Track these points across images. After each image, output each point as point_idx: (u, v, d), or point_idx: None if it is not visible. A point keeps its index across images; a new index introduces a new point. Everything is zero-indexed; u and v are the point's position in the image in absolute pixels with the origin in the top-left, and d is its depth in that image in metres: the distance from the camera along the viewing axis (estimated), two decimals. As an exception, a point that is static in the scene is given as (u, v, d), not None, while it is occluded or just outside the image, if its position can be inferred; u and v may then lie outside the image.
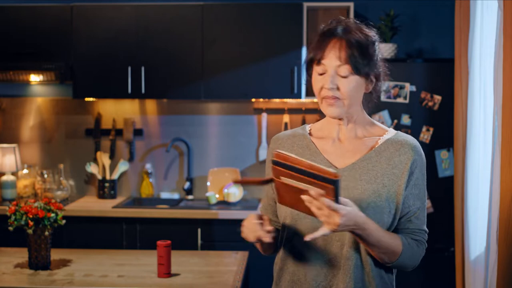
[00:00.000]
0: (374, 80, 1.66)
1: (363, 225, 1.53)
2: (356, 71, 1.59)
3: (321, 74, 1.62)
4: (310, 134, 1.76)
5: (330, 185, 1.42)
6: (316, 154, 1.70)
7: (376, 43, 1.66)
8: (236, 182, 1.60)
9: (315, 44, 1.64)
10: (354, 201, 1.57)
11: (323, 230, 1.49)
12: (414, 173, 1.72)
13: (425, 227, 1.75)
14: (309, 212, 1.49)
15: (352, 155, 1.68)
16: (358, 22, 1.67)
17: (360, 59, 1.59)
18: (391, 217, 1.66)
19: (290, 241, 1.69)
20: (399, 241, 1.65)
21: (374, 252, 1.61)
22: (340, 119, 1.68)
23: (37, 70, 3.91)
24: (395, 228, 1.70)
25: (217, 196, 4.08)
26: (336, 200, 1.45)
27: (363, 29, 1.65)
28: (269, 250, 1.80)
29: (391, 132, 1.73)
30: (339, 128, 1.71)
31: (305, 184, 1.45)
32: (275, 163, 1.48)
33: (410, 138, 1.74)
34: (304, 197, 1.45)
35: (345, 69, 1.59)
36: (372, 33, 1.66)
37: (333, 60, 1.59)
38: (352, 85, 1.60)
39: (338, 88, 1.60)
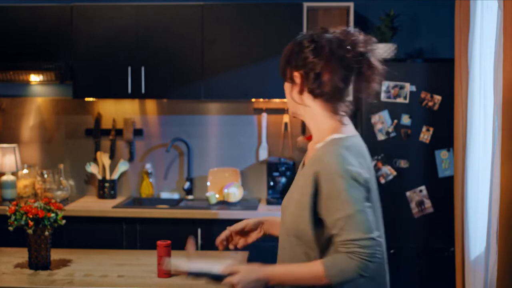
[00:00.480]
0: (304, 76, 1.77)
1: (267, 276, 1.69)
2: (284, 79, 1.86)
3: None
4: None
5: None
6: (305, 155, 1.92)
7: (304, 43, 1.79)
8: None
9: None
10: (284, 207, 1.80)
11: None
12: (322, 186, 1.68)
13: (356, 236, 1.63)
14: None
15: (306, 160, 1.85)
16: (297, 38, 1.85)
17: (282, 67, 1.86)
18: (309, 226, 1.71)
19: None
20: (319, 265, 1.66)
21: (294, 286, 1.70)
22: (295, 117, 1.90)
23: (37, 70, 3.91)
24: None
25: (217, 196, 4.08)
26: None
27: (295, 41, 1.84)
28: None
29: (328, 140, 1.75)
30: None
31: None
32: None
33: (325, 150, 1.73)
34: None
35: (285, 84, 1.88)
36: (302, 39, 1.81)
37: None
38: (287, 93, 1.85)
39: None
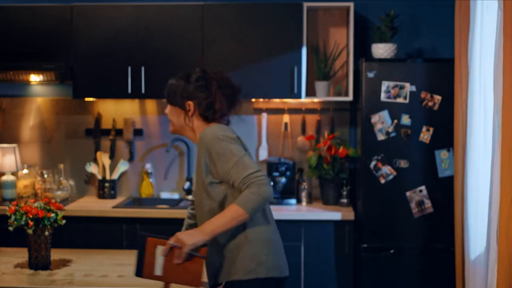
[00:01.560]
0: (189, 107, 2.34)
1: (201, 231, 2.17)
2: (171, 104, 2.39)
3: None
4: None
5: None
6: None
7: (183, 86, 2.35)
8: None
9: None
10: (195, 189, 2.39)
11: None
12: (210, 154, 2.23)
13: (247, 172, 2.18)
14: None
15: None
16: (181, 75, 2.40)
17: (167, 96, 2.42)
18: (209, 199, 2.28)
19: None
20: (234, 206, 2.16)
21: (232, 227, 2.20)
22: (175, 133, 2.50)
23: (37, 70, 3.91)
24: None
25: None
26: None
27: (180, 76, 2.40)
28: None
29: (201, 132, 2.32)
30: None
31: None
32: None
33: (202, 134, 2.29)
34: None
35: (167, 107, 2.43)
36: (188, 74, 2.39)
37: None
38: (172, 117, 2.40)
39: (170, 119, 2.42)
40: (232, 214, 2.15)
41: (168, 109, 2.39)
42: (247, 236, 2.25)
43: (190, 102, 2.33)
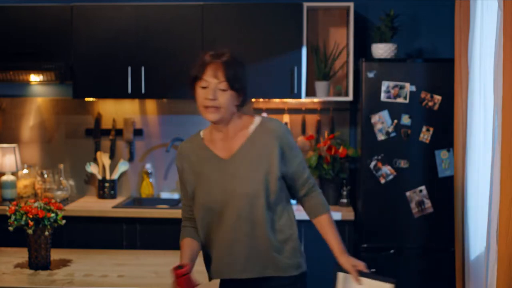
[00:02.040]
0: (242, 95, 2.15)
1: (342, 252, 2.21)
2: (231, 87, 2.09)
3: (203, 88, 2.10)
4: (203, 139, 2.23)
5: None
6: (207, 151, 2.21)
7: (245, 67, 2.17)
8: None
9: (197, 66, 2.14)
10: (244, 181, 2.12)
11: None
12: (284, 145, 2.16)
13: (306, 175, 2.24)
14: None
15: (234, 147, 2.18)
16: (229, 51, 2.16)
17: (233, 78, 2.09)
18: (272, 185, 2.14)
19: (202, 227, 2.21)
20: (328, 214, 2.26)
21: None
22: (216, 123, 2.16)
23: (37, 70, 3.91)
24: (297, 189, 2.25)
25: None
26: None
27: (234, 56, 2.16)
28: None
29: (257, 121, 2.20)
30: (219, 131, 2.19)
31: None
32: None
33: (273, 124, 2.19)
34: None
35: (223, 85, 2.09)
36: (240, 58, 2.17)
37: (213, 77, 2.09)
38: (227, 97, 2.10)
39: (217, 99, 2.09)
40: (333, 220, 2.25)
41: (226, 93, 2.10)
42: (294, 231, 2.23)
43: (245, 89, 2.17)
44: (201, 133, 2.27)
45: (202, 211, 2.18)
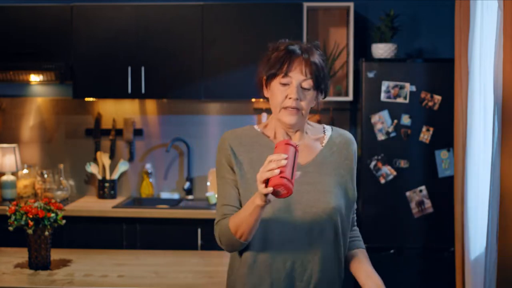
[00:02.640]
0: (321, 96, 1.86)
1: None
2: (316, 86, 1.80)
3: (285, 85, 1.80)
4: (268, 136, 1.91)
5: None
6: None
7: (325, 61, 1.88)
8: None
9: (277, 60, 1.85)
10: (323, 194, 1.80)
11: None
12: (355, 162, 1.94)
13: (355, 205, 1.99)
14: None
15: (308, 154, 1.87)
16: (309, 45, 1.88)
17: (320, 77, 1.80)
18: (352, 202, 1.89)
19: (260, 242, 1.82)
20: (363, 245, 1.99)
21: None
22: (289, 127, 1.85)
23: (37, 70, 3.91)
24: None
25: (217, 196, 4.07)
26: None
27: (317, 51, 1.86)
28: (251, 235, 1.78)
29: (328, 128, 1.96)
30: (288, 132, 1.88)
31: None
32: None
33: (347, 132, 1.97)
34: None
35: (308, 83, 1.79)
36: (322, 52, 1.89)
37: (299, 74, 1.79)
38: (310, 98, 1.81)
39: (300, 100, 1.79)
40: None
41: (309, 93, 1.80)
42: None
43: (326, 90, 1.88)
44: (256, 127, 1.95)
45: (270, 222, 1.80)
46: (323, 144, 1.90)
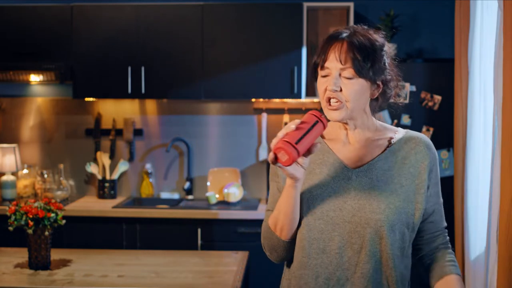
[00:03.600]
0: (381, 85, 1.65)
1: None
2: (359, 74, 1.57)
3: (324, 77, 1.60)
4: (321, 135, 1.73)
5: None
6: (330, 154, 1.68)
7: (385, 48, 1.64)
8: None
9: (319, 49, 1.63)
10: (371, 203, 1.59)
11: None
12: (433, 171, 1.67)
13: (445, 223, 1.75)
14: None
15: (365, 156, 1.66)
16: (366, 27, 1.66)
17: (363, 62, 1.56)
18: (411, 218, 1.63)
19: (303, 247, 1.63)
20: (457, 278, 1.71)
21: None
22: (344, 123, 1.66)
23: (37, 70, 3.91)
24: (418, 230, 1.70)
25: (217, 196, 4.08)
26: None
27: (370, 33, 1.63)
28: (295, 223, 1.62)
29: (401, 131, 1.72)
30: (346, 132, 1.69)
31: None
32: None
33: (422, 136, 1.71)
34: None
35: (349, 72, 1.57)
36: (380, 38, 1.64)
37: (335, 62, 1.57)
38: (355, 87, 1.58)
39: (341, 90, 1.58)
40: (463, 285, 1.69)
41: (353, 82, 1.58)
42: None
43: (384, 77, 1.66)
44: None
45: (307, 228, 1.62)
46: (387, 148, 1.67)
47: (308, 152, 1.51)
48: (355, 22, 3.98)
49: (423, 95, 3.66)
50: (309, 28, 4.07)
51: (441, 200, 1.72)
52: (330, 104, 1.59)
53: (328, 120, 1.59)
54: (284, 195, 1.58)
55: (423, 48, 4.14)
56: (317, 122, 1.51)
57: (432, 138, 3.66)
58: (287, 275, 1.71)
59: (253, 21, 3.90)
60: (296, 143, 1.45)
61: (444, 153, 3.67)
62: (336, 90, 1.57)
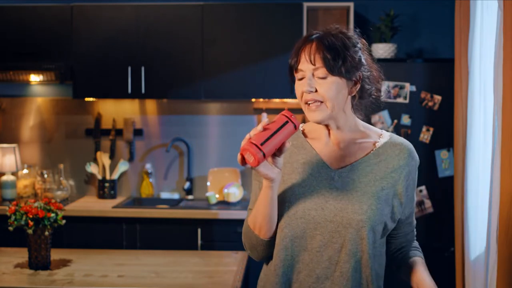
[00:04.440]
0: (358, 82, 1.65)
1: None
2: (331, 72, 1.57)
3: (300, 80, 1.62)
4: (303, 134, 1.76)
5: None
6: (312, 154, 1.69)
7: (358, 45, 1.66)
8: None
9: (292, 52, 1.64)
10: (353, 204, 1.61)
11: None
12: (411, 176, 1.70)
13: (415, 222, 1.83)
14: None
15: (348, 157, 1.68)
16: (338, 27, 1.66)
17: (333, 60, 1.57)
18: (389, 220, 1.66)
19: (285, 245, 1.64)
20: (421, 258, 1.80)
21: None
22: (326, 124, 1.67)
23: (37, 70, 3.91)
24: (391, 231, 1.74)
25: (217, 196, 4.08)
26: None
27: (342, 32, 1.64)
28: (273, 223, 1.64)
29: (386, 135, 1.74)
30: (328, 131, 1.70)
31: None
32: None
33: (406, 142, 1.73)
34: None
35: (321, 71, 1.58)
36: (352, 35, 1.65)
37: (306, 64, 1.59)
38: (330, 86, 1.58)
39: (316, 91, 1.59)
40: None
41: (327, 81, 1.59)
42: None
43: (360, 74, 1.65)
44: (300, 126, 1.78)
45: (289, 227, 1.63)
46: (371, 151, 1.68)
47: (279, 152, 1.53)
48: (355, 22, 3.99)
49: (423, 95, 3.66)
50: (309, 28, 4.07)
51: (415, 199, 1.79)
52: (309, 106, 1.61)
53: (304, 121, 1.60)
54: (261, 196, 1.61)
55: (423, 48, 4.14)
56: (286, 122, 1.51)
57: (432, 138, 3.66)
58: (265, 271, 1.73)
59: (253, 21, 3.90)
60: (262, 144, 1.46)
61: (444, 153, 3.67)
62: (311, 91, 1.59)
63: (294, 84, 1.66)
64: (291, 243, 1.63)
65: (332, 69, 1.57)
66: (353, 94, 1.66)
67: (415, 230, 1.83)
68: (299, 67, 1.60)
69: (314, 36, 1.62)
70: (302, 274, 1.63)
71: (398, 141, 1.71)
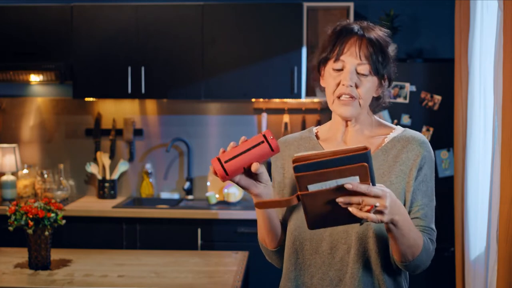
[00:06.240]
0: (386, 83, 1.63)
1: (402, 209, 1.43)
2: (374, 71, 1.56)
3: (337, 71, 1.57)
4: (316, 136, 1.73)
5: (362, 163, 1.29)
6: None
7: (390, 46, 1.63)
8: (258, 206, 1.47)
9: (329, 42, 1.59)
10: None
11: (372, 218, 1.34)
12: (423, 169, 1.60)
13: (433, 226, 1.62)
14: (349, 221, 1.38)
15: None
16: (371, 24, 1.64)
17: (380, 59, 1.56)
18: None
19: (296, 249, 1.63)
20: (420, 234, 1.53)
21: (401, 245, 1.48)
22: (347, 120, 1.64)
23: (37, 70, 3.91)
24: None
25: (217, 196, 4.08)
26: (372, 181, 1.33)
27: (380, 30, 1.62)
28: (274, 235, 1.65)
29: (398, 130, 1.67)
30: (345, 129, 1.66)
31: (337, 180, 1.31)
32: (297, 169, 1.31)
33: (418, 134, 1.65)
34: (340, 199, 1.31)
35: (365, 68, 1.55)
36: (388, 35, 1.63)
37: (352, 57, 1.55)
38: (369, 85, 1.57)
39: (356, 86, 1.56)
40: (417, 236, 1.51)
41: (367, 79, 1.57)
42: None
43: (389, 76, 1.64)
44: (314, 129, 1.75)
45: (298, 229, 1.63)
46: (381, 146, 1.63)
47: (254, 173, 1.48)
48: (355, 22, 3.98)
49: (423, 95, 3.66)
50: (309, 28, 4.07)
51: (433, 203, 1.62)
52: (340, 99, 1.57)
53: (320, 123, 1.55)
54: (256, 211, 1.62)
55: (423, 48, 4.14)
56: (262, 142, 1.45)
57: (432, 138, 3.66)
58: (285, 276, 1.70)
59: (253, 21, 3.90)
60: (226, 162, 1.44)
61: (444, 153, 3.67)
62: (351, 86, 1.55)
63: (321, 75, 1.62)
64: (301, 246, 1.62)
65: (377, 70, 1.56)
66: (377, 95, 1.64)
67: (430, 233, 1.60)
68: (342, 57, 1.56)
69: (357, 29, 1.58)
70: (316, 278, 1.61)
71: (409, 134, 1.64)
